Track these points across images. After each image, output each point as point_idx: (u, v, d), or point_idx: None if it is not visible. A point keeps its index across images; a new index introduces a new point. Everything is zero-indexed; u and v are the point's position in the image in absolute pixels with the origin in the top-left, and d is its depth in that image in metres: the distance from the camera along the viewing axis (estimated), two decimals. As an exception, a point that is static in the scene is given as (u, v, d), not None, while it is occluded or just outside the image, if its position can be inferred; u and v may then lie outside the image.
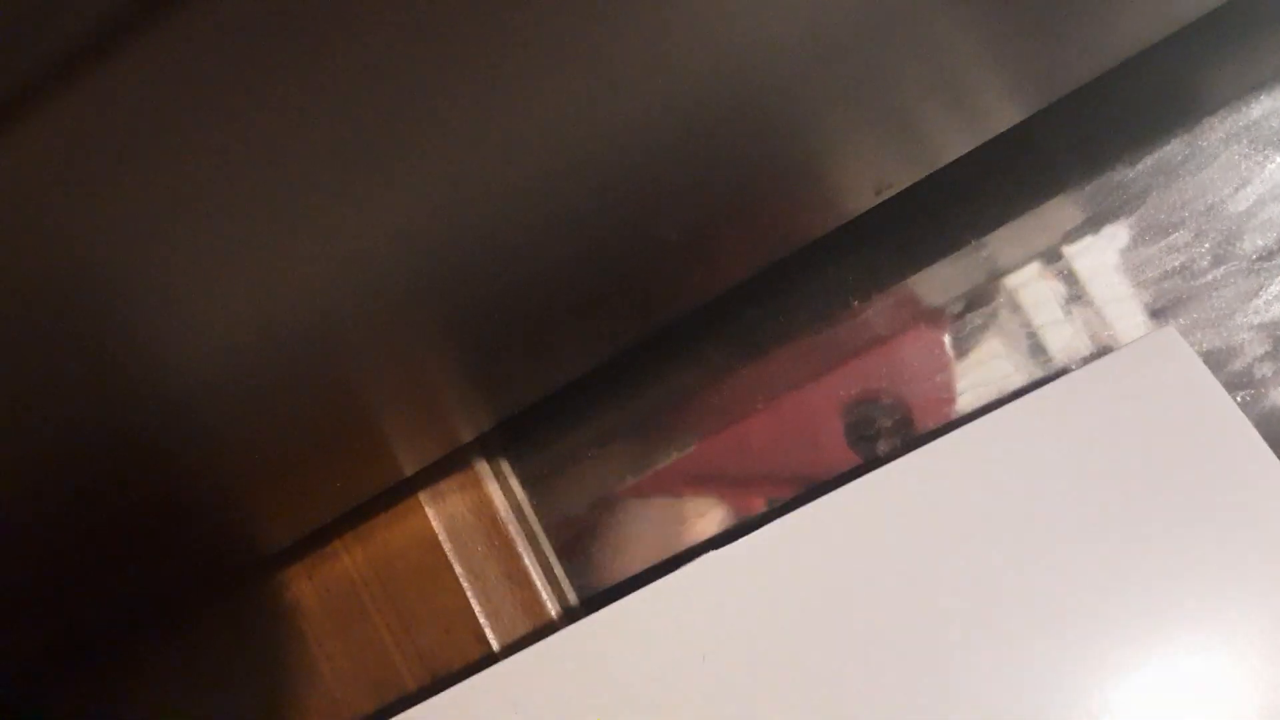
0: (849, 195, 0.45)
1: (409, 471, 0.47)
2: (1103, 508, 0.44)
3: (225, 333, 0.28)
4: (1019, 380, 0.53)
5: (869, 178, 0.44)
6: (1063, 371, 0.52)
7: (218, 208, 0.24)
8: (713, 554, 0.45)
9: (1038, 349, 0.53)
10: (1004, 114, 0.46)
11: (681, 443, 0.63)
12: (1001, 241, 0.54)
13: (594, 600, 0.55)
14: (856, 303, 0.57)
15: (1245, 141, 0.50)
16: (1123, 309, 0.51)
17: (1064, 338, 0.52)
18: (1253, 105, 0.50)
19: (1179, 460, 0.44)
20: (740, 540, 0.45)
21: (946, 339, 0.55)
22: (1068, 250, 0.52)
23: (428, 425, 0.42)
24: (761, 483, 0.57)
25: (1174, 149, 0.51)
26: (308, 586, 0.52)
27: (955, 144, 0.46)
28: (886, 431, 0.55)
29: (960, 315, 0.55)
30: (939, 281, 0.56)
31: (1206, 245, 0.50)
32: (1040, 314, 0.53)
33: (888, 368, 0.56)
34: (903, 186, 0.47)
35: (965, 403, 0.53)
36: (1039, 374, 0.52)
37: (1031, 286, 0.53)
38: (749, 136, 0.31)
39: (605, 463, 0.62)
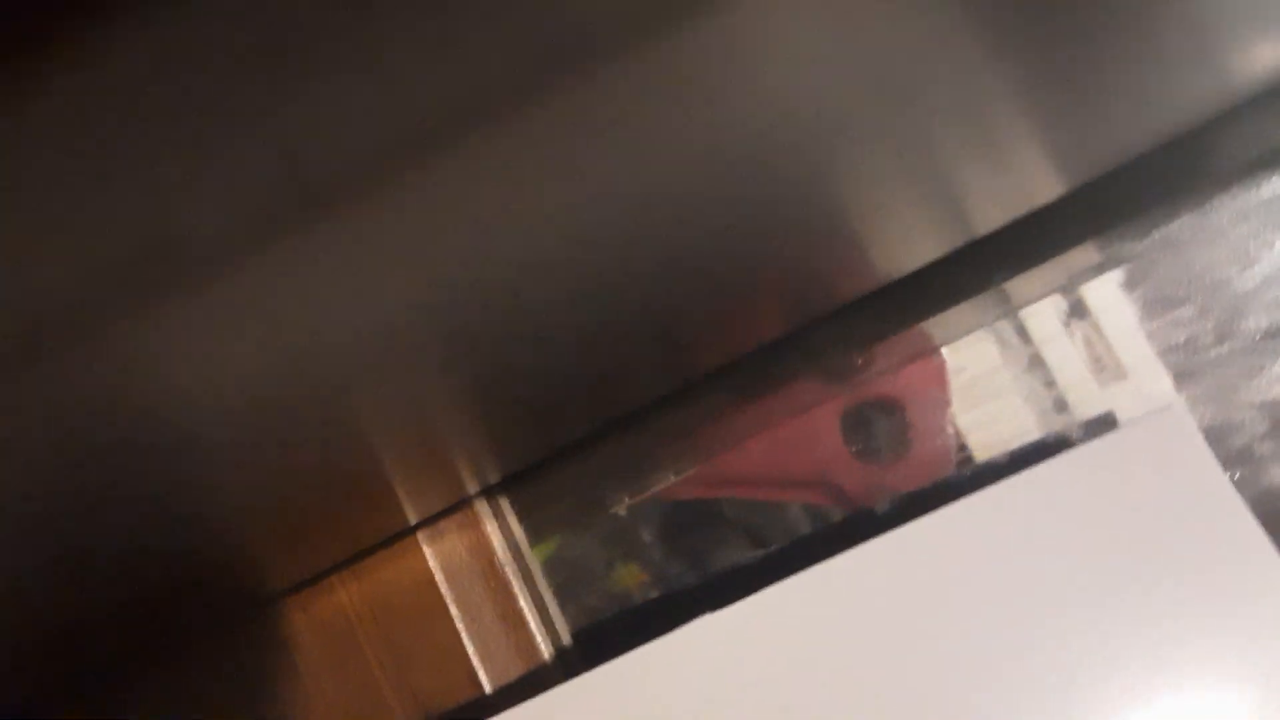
0: (886, 269, 0.45)
1: (413, 521, 0.48)
2: (1101, 579, 0.45)
3: (249, 406, 0.28)
4: (1016, 392, 0.52)
5: (908, 254, 0.44)
6: (1066, 424, 0.52)
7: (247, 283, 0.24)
8: (709, 616, 0.45)
9: (1036, 361, 0.53)
10: (1048, 188, 0.46)
11: (680, 468, 0.64)
12: (1008, 294, 0.55)
13: (587, 636, 0.55)
14: (861, 360, 0.57)
15: (1255, 221, 0.51)
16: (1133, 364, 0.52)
17: (1062, 354, 0.52)
18: (1264, 185, 0.51)
19: (1177, 535, 0.45)
20: (737, 604, 0.45)
21: (945, 351, 0.55)
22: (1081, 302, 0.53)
23: (436, 482, 0.43)
24: (762, 485, 0.58)
25: (1184, 224, 0.51)
26: (303, 619, 0.52)
27: (993, 218, 0.46)
28: (885, 438, 0.55)
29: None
30: (944, 321, 0.57)
31: (1211, 322, 0.51)
32: (1040, 329, 0.53)
33: (887, 377, 0.56)
34: (938, 257, 0.48)
35: (959, 406, 0.53)
36: (1037, 387, 0.52)
37: (1036, 317, 0.53)
38: (806, 232, 0.32)
39: (603, 495, 0.63)
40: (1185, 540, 0.44)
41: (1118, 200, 0.50)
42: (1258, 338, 0.50)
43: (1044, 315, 0.53)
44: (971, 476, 0.53)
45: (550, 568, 0.56)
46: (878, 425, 0.55)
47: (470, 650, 0.51)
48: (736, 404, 0.61)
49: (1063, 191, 0.48)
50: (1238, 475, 0.50)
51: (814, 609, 0.45)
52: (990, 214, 0.48)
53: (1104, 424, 0.51)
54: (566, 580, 0.56)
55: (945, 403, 0.54)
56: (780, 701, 0.44)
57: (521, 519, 0.57)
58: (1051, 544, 0.44)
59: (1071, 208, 0.50)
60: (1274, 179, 0.51)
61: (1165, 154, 0.51)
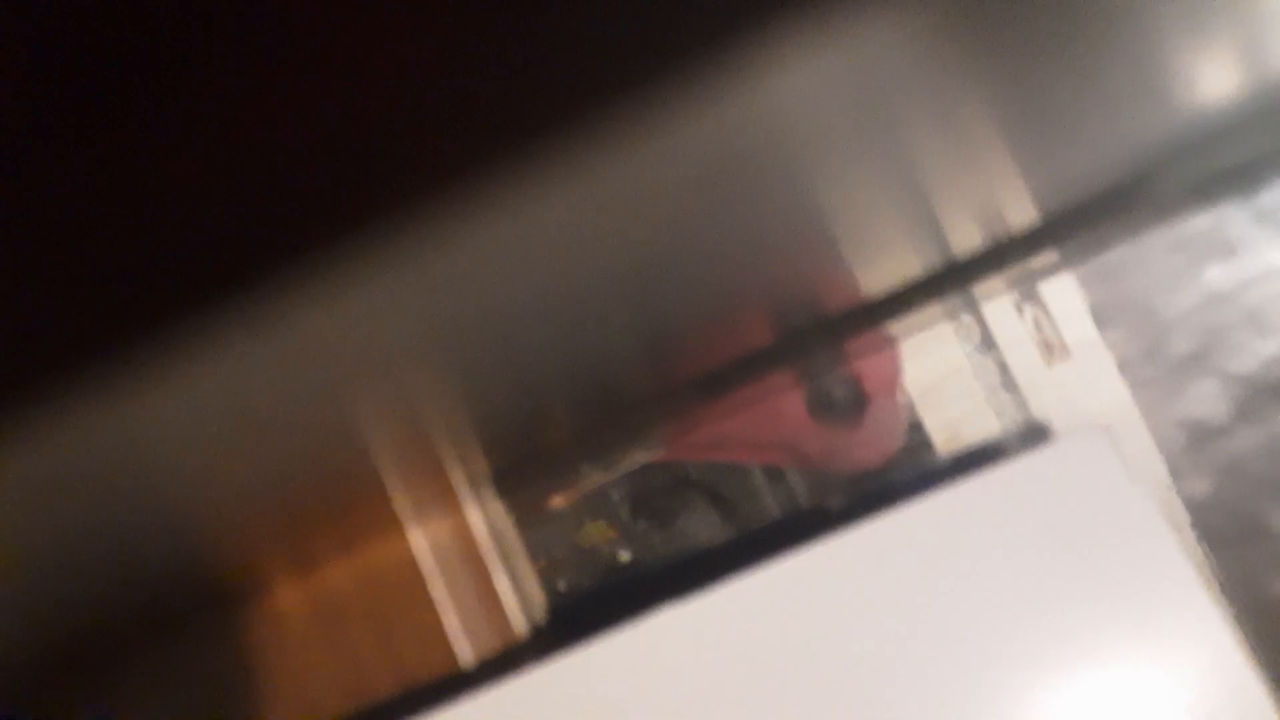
0: (869, 286, 0.49)
1: (404, 520, 0.51)
2: (1023, 585, 0.49)
3: (257, 436, 0.32)
4: (967, 369, 0.56)
5: (892, 273, 0.48)
6: (998, 446, 0.57)
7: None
8: (669, 609, 0.49)
9: (987, 339, 0.57)
10: (1024, 216, 0.50)
11: (650, 449, 0.68)
12: (969, 292, 0.59)
13: (561, 615, 0.60)
14: (832, 357, 0.61)
15: (1186, 252, 0.55)
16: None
17: (1009, 328, 0.56)
18: (1195, 218, 0.55)
19: (1096, 547, 0.49)
20: (693, 598, 0.49)
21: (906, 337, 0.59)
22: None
23: (428, 486, 0.46)
24: (727, 448, 0.62)
25: (1119, 253, 0.55)
26: (295, 595, 0.56)
27: (971, 243, 0.50)
28: (843, 404, 0.59)
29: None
30: (910, 317, 0.60)
31: (1141, 344, 0.55)
32: (991, 313, 0.57)
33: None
34: (916, 277, 0.51)
35: (912, 370, 0.57)
36: (987, 365, 0.56)
37: (994, 304, 0.57)
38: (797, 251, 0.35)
39: (577, 473, 0.67)
40: (1104, 550, 0.49)
41: (1058, 230, 0.54)
42: (1181, 360, 0.55)
43: (998, 304, 0.57)
44: (920, 448, 0.57)
45: (522, 525, 0.60)
46: (837, 393, 0.60)
47: (451, 629, 0.55)
48: (710, 400, 0.64)
49: (1036, 220, 0.52)
50: (1160, 487, 0.55)
51: (766, 606, 0.49)
52: (966, 241, 0.52)
53: (1038, 433, 0.56)
54: (538, 538, 0.60)
55: (898, 372, 0.58)
56: (738, 689, 0.48)
57: (502, 502, 0.61)
58: (982, 551, 0.49)
59: (1020, 238, 0.54)
60: (1204, 213, 0.55)
61: (1104, 188, 0.55)
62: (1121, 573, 0.48)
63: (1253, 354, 0.54)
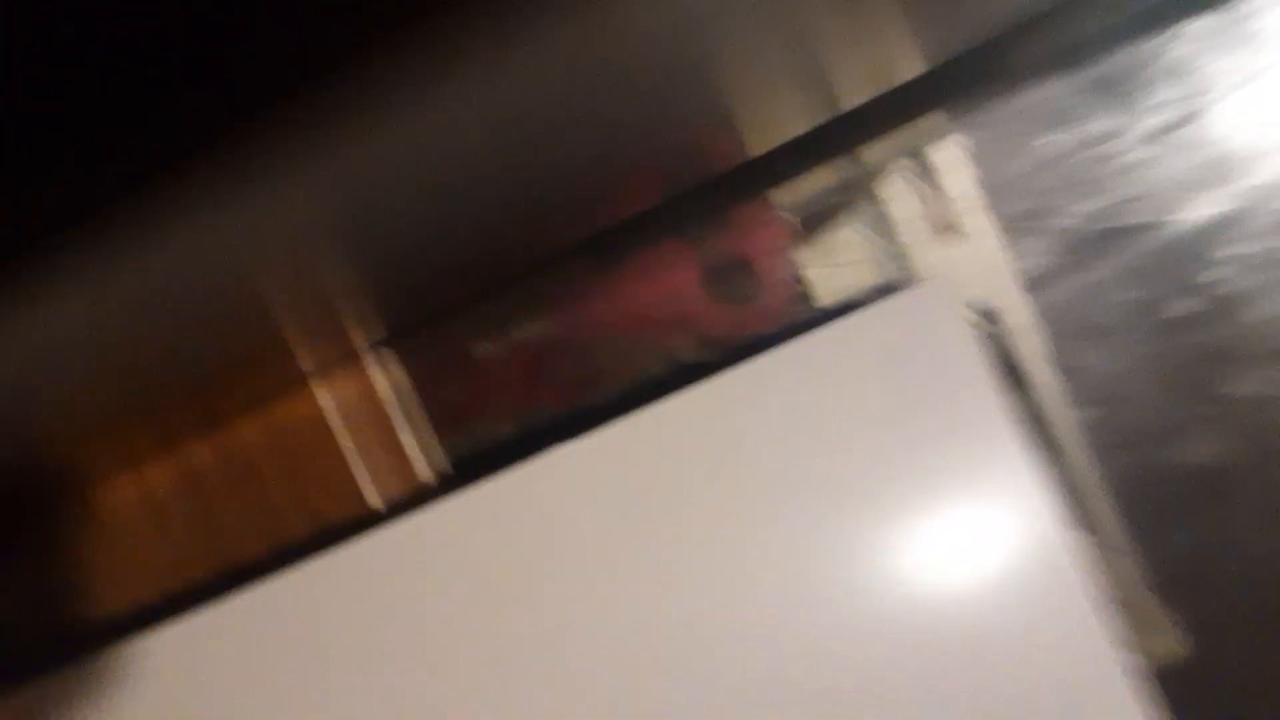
0: (754, 141, 0.52)
1: (306, 370, 0.55)
2: (858, 437, 0.54)
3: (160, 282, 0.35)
4: (858, 246, 0.61)
5: (777, 125, 0.50)
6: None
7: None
8: (559, 449, 0.55)
9: (880, 218, 0.61)
10: (908, 68, 0.53)
11: (539, 318, 0.72)
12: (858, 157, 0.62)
13: (466, 463, 0.65)
14: (719, 224, 0.64)
15: (1028, 118, 0.60)
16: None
17: (910, 226, 0.60)
18: (1045, 86, 0.59)
19: (928, 397, 0.55)
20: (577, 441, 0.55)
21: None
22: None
23: (329, 338, 0.50)
24: (626, 324, 0.66)
25: (995, 122, 0.60)
26: (208, 452, 0.60)
27: (858, 94, 0.52)
28: (737, 283, 0.64)
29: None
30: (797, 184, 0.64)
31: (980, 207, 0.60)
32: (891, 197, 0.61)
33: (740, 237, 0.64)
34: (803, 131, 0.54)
35: (807, 257, 0.62)
36: (877, 242, 0.60)
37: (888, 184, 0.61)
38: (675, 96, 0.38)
39: (476, 340, 0.71)
40: (935, 400, 0.54)
41: (942, 88, 0.57)
42: (1011, 219, 0.60)
43: (891, 175, 0.61)
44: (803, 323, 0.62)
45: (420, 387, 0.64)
46: (732, 275, 0.64)
47: (358, 475, 0.60)
48: (601, 267, 0.68)
49: (920, 70, 0.54)
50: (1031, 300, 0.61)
51: (638, 451, 0.55)
52: (852, 91, 0.54)
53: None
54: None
55: (788, 256, 0.63)
56: (617, 525, 0.54)
57: (404, 366, 0.65)
58: (819, 401, 0.54)
59: (919, 90, 0.57)
60: (1052, 80, 0.59)
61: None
62: (950, 422, 0.54)
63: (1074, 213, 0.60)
